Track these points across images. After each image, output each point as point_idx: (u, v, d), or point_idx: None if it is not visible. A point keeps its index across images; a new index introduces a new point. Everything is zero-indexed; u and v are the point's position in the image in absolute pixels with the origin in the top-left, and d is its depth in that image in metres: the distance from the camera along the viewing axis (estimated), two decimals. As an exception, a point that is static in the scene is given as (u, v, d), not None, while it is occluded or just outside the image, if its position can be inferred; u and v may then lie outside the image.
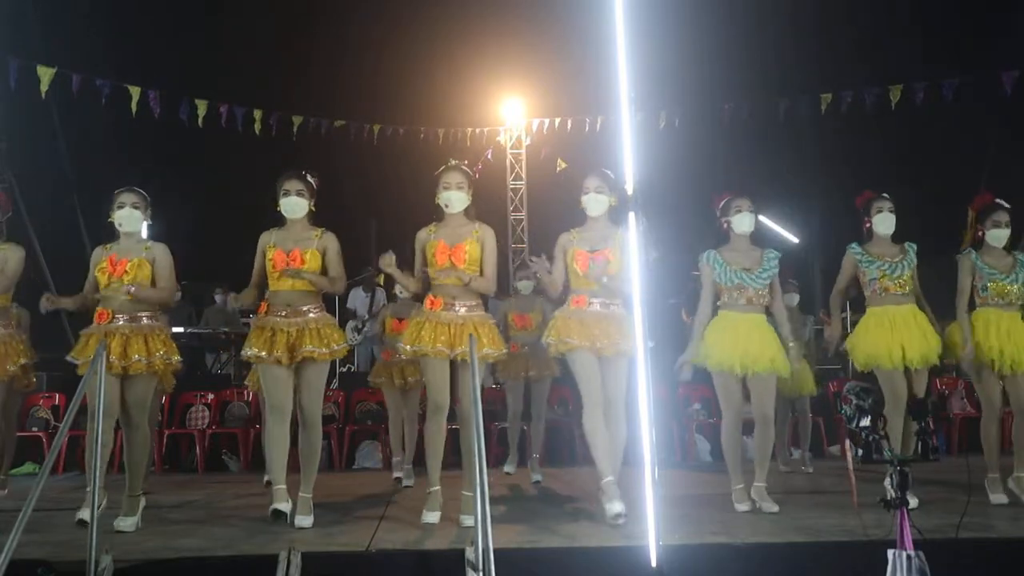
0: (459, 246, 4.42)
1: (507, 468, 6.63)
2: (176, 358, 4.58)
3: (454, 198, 4.45)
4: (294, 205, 4.46)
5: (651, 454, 3.40)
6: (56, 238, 9.84)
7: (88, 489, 4.29)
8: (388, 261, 4.42)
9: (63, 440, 3.96)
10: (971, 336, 4.79)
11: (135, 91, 9.60)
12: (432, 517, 4.35)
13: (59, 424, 7.53)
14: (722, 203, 4.81)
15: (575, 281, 4.51)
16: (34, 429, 7.62)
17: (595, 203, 4.48)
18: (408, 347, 4.41)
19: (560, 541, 3.85)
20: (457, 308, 4.41)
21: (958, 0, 11.01)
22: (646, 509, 3.33)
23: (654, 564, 3.25)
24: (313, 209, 4.54)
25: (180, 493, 5.92)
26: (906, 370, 4.73)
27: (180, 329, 8.66)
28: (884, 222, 4.87)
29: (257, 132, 10.49)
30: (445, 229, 4.49)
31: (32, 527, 3.46)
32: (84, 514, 4.27)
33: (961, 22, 10.87)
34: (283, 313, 4.41)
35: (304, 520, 4.30)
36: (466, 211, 4.52)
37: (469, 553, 3.40)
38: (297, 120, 10.95)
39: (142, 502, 4.49)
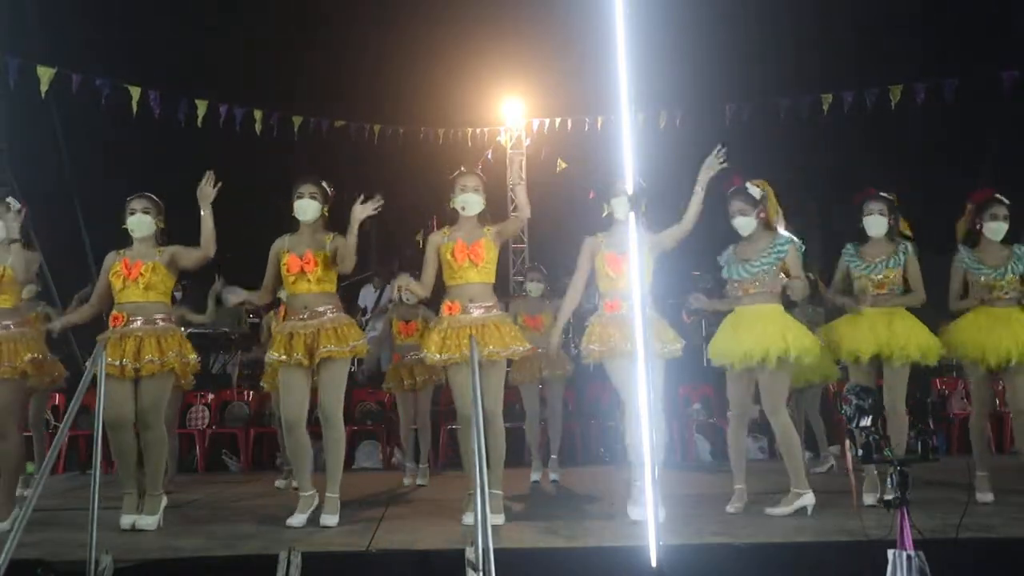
0: (477, 242, 4.48)
1: (534, 476, 6.32)
2: (193, 356, 4.66)
3: (471, 200, 4.54)
4: (306, 207, 4.56)
5: (651, 454, 3.41)
6: (56, 239, 9.80)
7: (126, 491, 4.44)
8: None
9: (63, 440, 3.96)
10: (961, 335, 4.84)
11: (135, 91, 9.60)
12: (470, 518, 4.27)
13: (59, 424, 7.51)
14: (733, 190, 4.75)
15: (607, 285, 4.52)
16: (34, 429, 7.56)
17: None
18: (437, 355, 4.39)
19: (560, 541, 3.84)
20: (474, 311, 4.44)
21: (958, 0, 11.00)
22: (646, 509, 3.33)
23: (654, 564, 3.25)
24: (327, 214, 4.63)
25: (180, 493, 5.91)
26: (884, 367, 4.74)
27: (180, 329, 8.60)
28: (874, 224, 4.88)
29: (257, 132, 10.49)
30: (460, 232, 4.55)
31: (32, 527, 3.46)
32: (126, 521, 4.37)
33: (961, 22, 10.86)
34: (302, 316, 4.50)
35: (330, 519, 4.34)
36: (480, 215, 4.58)
37: (469, 553, 3.40)
38: (297, 120, 10.94)
39: (163, 501, 4.55)
